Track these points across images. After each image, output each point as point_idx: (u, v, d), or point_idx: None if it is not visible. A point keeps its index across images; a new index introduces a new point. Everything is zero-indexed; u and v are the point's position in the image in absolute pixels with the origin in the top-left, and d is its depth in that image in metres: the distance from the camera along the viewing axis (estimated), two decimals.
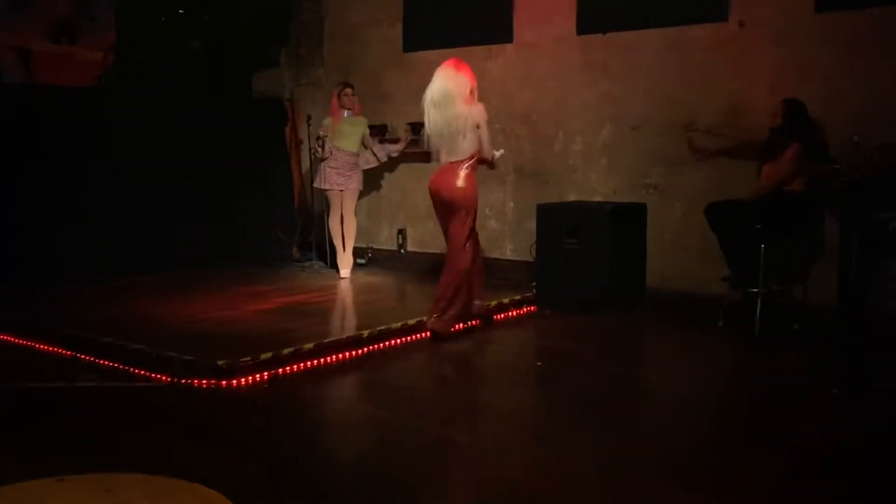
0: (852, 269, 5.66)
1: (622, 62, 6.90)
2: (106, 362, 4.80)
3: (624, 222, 6.34)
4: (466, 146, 5.19)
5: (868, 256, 5.26)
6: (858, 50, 5.83)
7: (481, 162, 5.37)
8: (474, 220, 5.39)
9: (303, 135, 8.59)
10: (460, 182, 5.21)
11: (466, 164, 5.23)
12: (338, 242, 7.62)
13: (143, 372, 4.60)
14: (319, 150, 7.40)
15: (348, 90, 7.46)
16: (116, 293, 6.49)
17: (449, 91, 5.12)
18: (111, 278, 6.86)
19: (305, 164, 8.60)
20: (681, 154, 6.61)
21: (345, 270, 7.56)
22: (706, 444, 3.63)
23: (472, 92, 5.21)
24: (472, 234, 5.40)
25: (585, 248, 6.16)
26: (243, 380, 4.41)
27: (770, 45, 6.20)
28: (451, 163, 5.24)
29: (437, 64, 7.96)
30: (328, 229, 7.70)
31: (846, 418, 3.99)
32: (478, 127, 5.19)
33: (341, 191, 7.50)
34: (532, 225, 6.71)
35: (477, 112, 5.18)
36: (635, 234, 6.53)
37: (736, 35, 6.34)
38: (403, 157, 8.17)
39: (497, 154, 5.51)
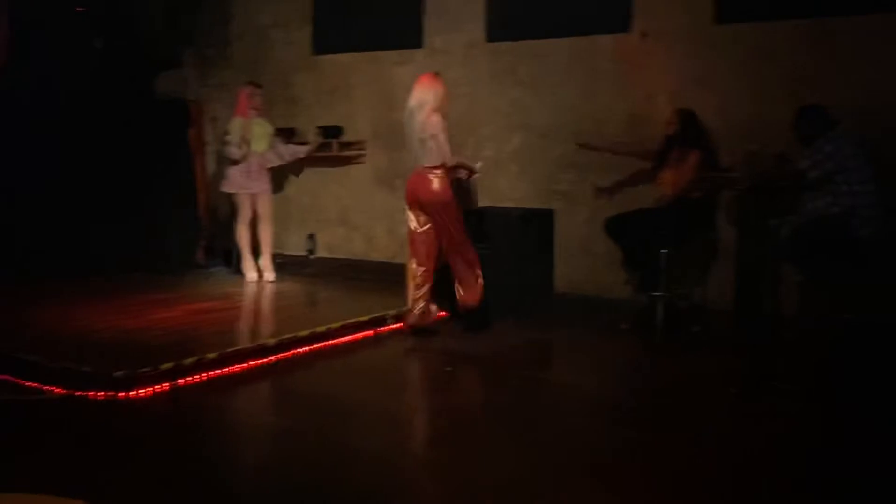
0: (748, 273, 5.93)
1: (531, 70, 7.02)
2: None
3: (533, 228, 6.44)
4: (432, 154, 5.44)
5: (762, 262, 5.51)
6: (755, 61, 6.10)
7: (455, 172, 5.62)
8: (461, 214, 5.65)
9: (208, 137, 8.40)
10: (434, 186, 5.48)
11: (436, 171, 5.47)
12: (245, 247, 7.47)
13: (35, 384, 4.40)
14: (239, 149, 7.24)
15: (259, 90, 7.35)
16: (5, 301, 6.20)
17: (419, 100, 5.45)
18: (1, 284, 6.55)
19: (211, 167, 8.42)
20: (587, 161, 6.76)
21: (267, 275, 7.45)
22: (615, 444, 3.72)
23: (437, 105, 5.41)
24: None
25: (495, 253, 6.21)
26: (142, 391, 4.28)
27: (671, 56, 6.42)
28: (424, 167, 5.51)
29: (348, 67, 8.03)
30: (237, 234, 7.56)
31: (743, 416, 4.15)
32: (433, 137, 5.39)
33: (252, 194, 7.37)
34: None
35: (430, 123, 5.39)
36: (543, 239, 6.64)
37: (638, 45, 6.54)
38: (313, 161, 8.10)
39: (476, 166, 5.81)
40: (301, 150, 7.69)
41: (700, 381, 4.76)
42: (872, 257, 5.19)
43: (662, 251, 5.59)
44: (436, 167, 5.48)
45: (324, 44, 8.11)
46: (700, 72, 6.30)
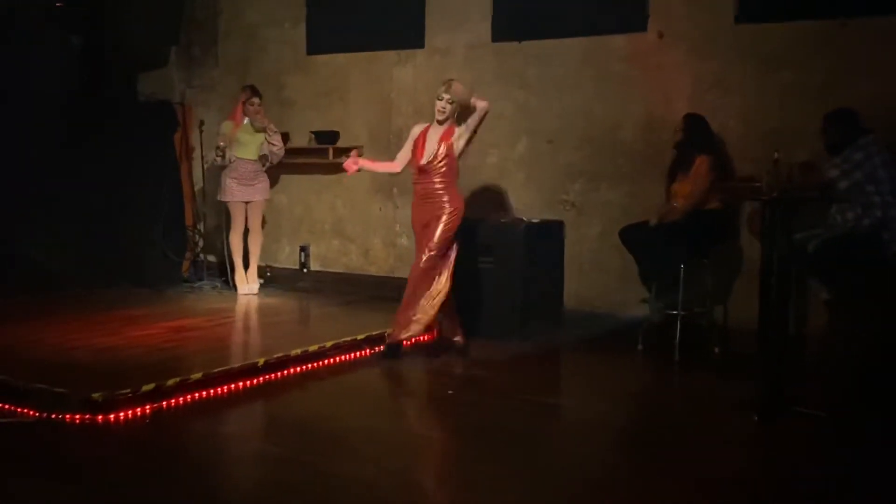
0: (772, 291, 5.89)
1: (538, 72, 7.02)
2: None
3: (540, 240, 6.42)
4: None
5: (788, 278, 5.48)
6: (776, 64, 6.09)
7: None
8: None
9: (195, 141, 8.40)
10: None
11: None
12: (238, 259, 7.52)
13: (6, 406, 4.37)
14: (219, 158, 7.33)
15: (255, 99, 7.42)
16: None
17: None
18: None
19: (198, 173, 8.41)
20: (599, 169, 6.76)
21: (251, 286, 7.53)
22: (626, 473, 3.69)
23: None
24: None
25: (500, 267, 6.20)
26: (122, 414, 4.25)
27: (689, 57, 6.41)
28: None
29: (344, 68, 8.03)
30: (227, 245, 7.59)
31: (764, 444, 4.12)
32: None
33: (245, 203, 7.45)
34: None
35: None
36: (552, 252, 6.62)
37: (655, 46, 6.54)
38: (306, 169, 8.10)
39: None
40: (274, 145, 7.53)
41: (719, 405, 4.73)
42: None
43: (680, 266, 5.57)
44: None
45: (318, 43, 8.11)
46: (720, 74, 6.29)
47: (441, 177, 5.45)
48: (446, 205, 5.46)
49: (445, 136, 5.44)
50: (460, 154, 5.50)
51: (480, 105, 5.39)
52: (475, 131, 5.50)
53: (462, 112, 5.49)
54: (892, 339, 5.18)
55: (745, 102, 6.19)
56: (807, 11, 5.99)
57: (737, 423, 4.39)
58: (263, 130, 7.42)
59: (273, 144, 7.48)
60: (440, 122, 5.46)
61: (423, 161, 5.46)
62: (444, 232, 5.44)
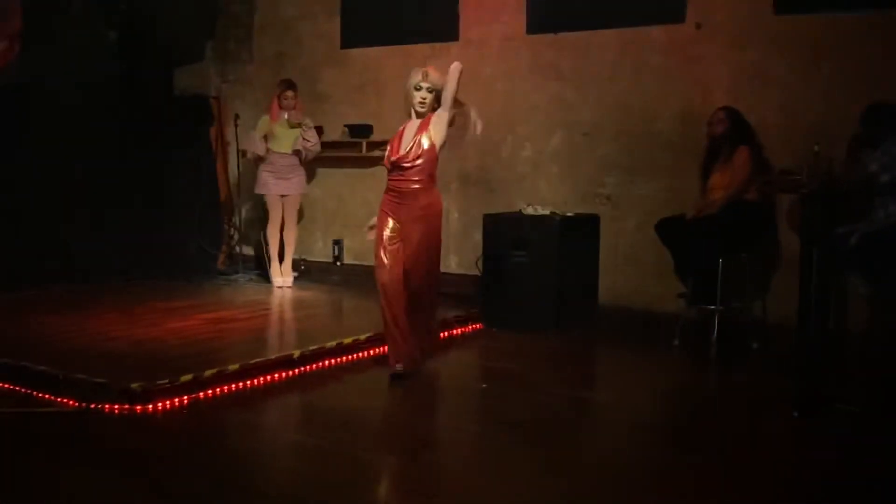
0: (812, 286, 5.81)
1: (574, 64, 6.98)
2: (4, 385, 4.64)
3: (575, 235, 6.40)
4: None
5: (828, 273, 5.40)
6: (817, 55, 6.01)
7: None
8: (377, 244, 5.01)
9: (230, 136, 8.48)
10: None
11: None
12: (274, 252, 7.60)
13: (47, 396, 4.45)
14: (256, 149, 7.38)
15: (289, 92, 7.46)
16: (15, 307, 6.30)
17: None
18: (11, 289, 6.65)
19: (233, 167, 8.49)
20: (635, 163, 6.71)
21: (285, 279, 7.59)
22: (662, 471, 3.67)
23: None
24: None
25: (534, 261, 6.19)
26: (160, 405, 4.31)
27: (727, 48, 6.35)
28: None
29: (378, 61, 8.05)
30: (265, 238, 7.67)
31: (802, 441, 4.07)
32: None
33: (282, 196, 7.52)
34: (478, 236, 6.72)
35: None
36: (587, 247, 6.59)
37: (692, 37, 6.48)
38: (339, 162, 8.14)
39: None
40: (308, 141, 7.54)
41: (757, 402, 4.69)
42: None
43: (718, 260, 5.52)
44: None
45: (353, 37, 8.14)
46: (759, 66, 6.22)
47: (419, 174, 4.86)
48: (428, 207, 4.93)
49: (423, 127, 4.85)
50: (442, 145, 4.87)
51: (451, 70, 4.76)
52: (455, 98, 4.81)
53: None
54: None
55: (785, 94, 6.11)
56: (847, 2, 5.90)
57: (775, 420, 4.35)
58: (298, 126, 7.47)
59: (307, 140, 7.51)
60: (419, 115, 4.89)
61: (396, 156, 4.88)
62: (437, 240, 5.01)
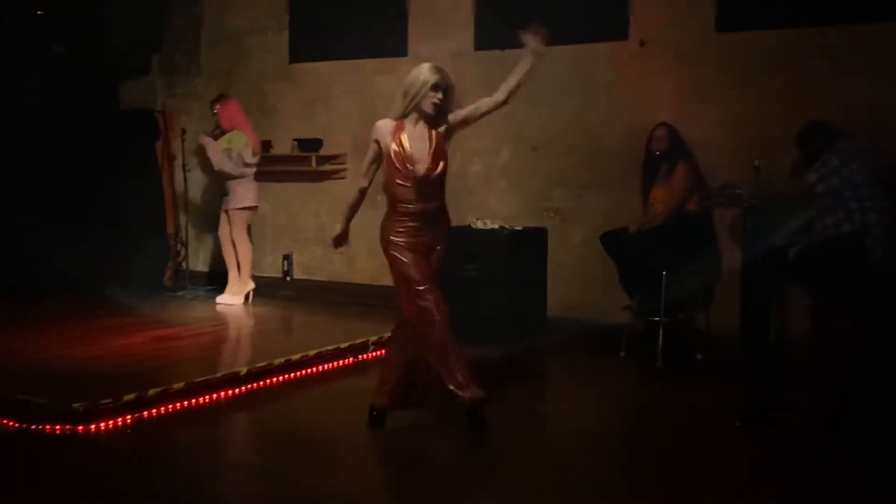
0: (754, 297, 5.93)
1: None
2: None
3: (524, 248, 6.44)
4: None
5: (769, 285, 5.51)
6: (757, 71, 6.15)
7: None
8: (396, 266, 4.23)
9: (177, 150, 8.38)
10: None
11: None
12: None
13: None
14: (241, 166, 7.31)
15: (215, 106, 7.44)
16: None
17: None
18: None
19: (179, 182, 8.38)
20: (582, 177, 6.79)
21: (223, 296, 7.44)
22: (609, 479, 3.70)
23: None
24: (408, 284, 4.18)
25: (484, 275, 6.21)
26: (103, 425, 4.23)
27: (670, 65, 6.46)
28: None
29: (328, 76, 8.03)
30: (246, 250, 7.55)
31: (746, 450, 4.14)
32: None
33: (225, 211, 7.41)
34: None
35: None
36: (536, 260, 6.64)
37: (637, 54, 6.58)
38: (289, 176, 8.09)
39: None
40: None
41: (701, 412, 4.74)
42: (887, 279, 5.21)
43: (662, 272, 5.60)
44: None
45: (302, 52, 8.12)
46: (701, 82, 6.35)
47: (442, 189, 4.23)
48: (446, 228, 4.35)
49: (437, 134, 4.22)
50: None
51: (497, 97, 4.34)
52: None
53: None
54: (873, 344, 5.22)
55: (727, 110, 6.24)
56: (787, 20, 6.06)
57: (719, 429, 4.41)
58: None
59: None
60: (428, 118, 4.20)
61: (427, 170, 4.12)
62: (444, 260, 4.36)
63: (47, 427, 4.17)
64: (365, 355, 5.72)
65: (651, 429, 4.52)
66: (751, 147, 5.91)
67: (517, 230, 6.51)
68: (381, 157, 4.29)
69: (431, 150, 4.17)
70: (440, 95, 4.16)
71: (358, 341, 5.78)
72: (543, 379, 5.83)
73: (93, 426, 4.20)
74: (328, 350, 5.57)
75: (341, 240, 4.52)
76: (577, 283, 6.79)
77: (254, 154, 7.32)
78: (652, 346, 5.64)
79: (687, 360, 5.71)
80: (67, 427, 4.17)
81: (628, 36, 6.61)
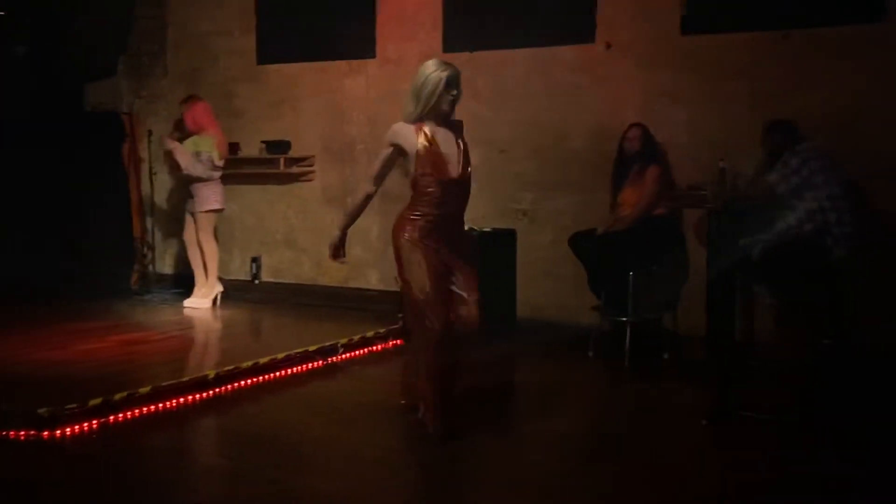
0: (719, 297, 6.00)
1: (489, 82, 7.07)
2: None
3: (494, 249, 6.47)
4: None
5: (734, 285, 5.58)
6: (721, 74, 6.22)
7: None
8: (410, 271, 4.13)
9: (143, 152, 8.30)
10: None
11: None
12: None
13: None
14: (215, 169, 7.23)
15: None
16: None
17: None
18: None
19: (146, 184, 8.30)
20: (549, 178, 6.83)
21: (189, 300, 7.37)
22: (578, 480, 3.72)
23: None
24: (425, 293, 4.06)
25: None
26: (68, 430, 4.18)
27: (636, 68, 6.52)
28: None
29: (295, 78, 8.00)
30: (213, 252, 7.46)
31: (712, 448, 4.19)
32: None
33: (190, 213, 7.34)
34: None
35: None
36: (506, 261, 6.67)
37: (603, 57, 6.63)
38: (257, 178, 8.05)
39: None
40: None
41: (669, 410, 4.80)
42: (847, 278, 5.30)
43: (629, 273, 5.65)
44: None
45: (269, 53, 8.08)
46: (667, 85, 6.41)
47: (465, 199, 4.17)
48: (467, 246, 4.32)
49: (465, 145, 4.15)
50: None
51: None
52: None
53: None
54: (835, 342, 5.31)
55: (692, 112, 6.31)
56: (751, 23, 6.14)
57: (686, 428, 4.46)
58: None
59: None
60: (444, 118, 4.08)
61: (458, 173, 4.06)
62: None
63: (11, 433, 4.12)
64: (334, 358, 5.70)
65: (618, 428, 4.56)
66: (716, 149, 5.99)
67: (486, 231, 6.54)
68: (395, 161, 4.13)
69: (460, 154, 4.09)
70: (454, 91, 4.03)
71: (327, 344, 5.76)
72: (511, 380, 5.85)
73: (58, 431, 4.15)
74: (296, 353, 5.54)
75: (339, 249, 4.37)
76: (546, 283, 6.83)
77: (221, 157, 7.25)
78: (620, 346, 5.69)
79: (654, 360, 5.77)
80: (32, 432, 4.12)
81: (595, 39, 6.66)
